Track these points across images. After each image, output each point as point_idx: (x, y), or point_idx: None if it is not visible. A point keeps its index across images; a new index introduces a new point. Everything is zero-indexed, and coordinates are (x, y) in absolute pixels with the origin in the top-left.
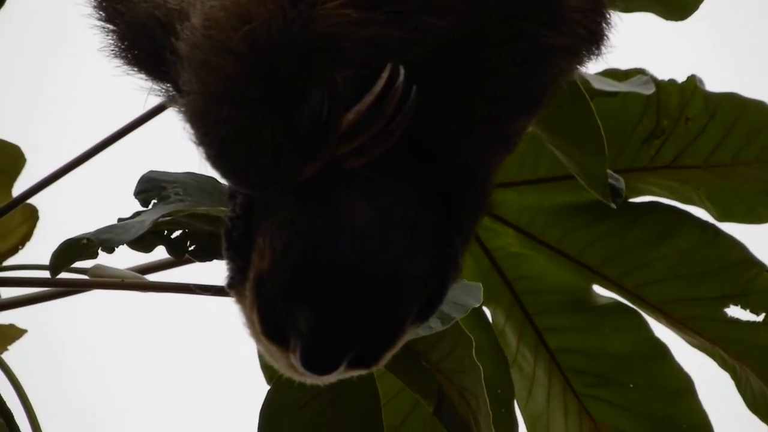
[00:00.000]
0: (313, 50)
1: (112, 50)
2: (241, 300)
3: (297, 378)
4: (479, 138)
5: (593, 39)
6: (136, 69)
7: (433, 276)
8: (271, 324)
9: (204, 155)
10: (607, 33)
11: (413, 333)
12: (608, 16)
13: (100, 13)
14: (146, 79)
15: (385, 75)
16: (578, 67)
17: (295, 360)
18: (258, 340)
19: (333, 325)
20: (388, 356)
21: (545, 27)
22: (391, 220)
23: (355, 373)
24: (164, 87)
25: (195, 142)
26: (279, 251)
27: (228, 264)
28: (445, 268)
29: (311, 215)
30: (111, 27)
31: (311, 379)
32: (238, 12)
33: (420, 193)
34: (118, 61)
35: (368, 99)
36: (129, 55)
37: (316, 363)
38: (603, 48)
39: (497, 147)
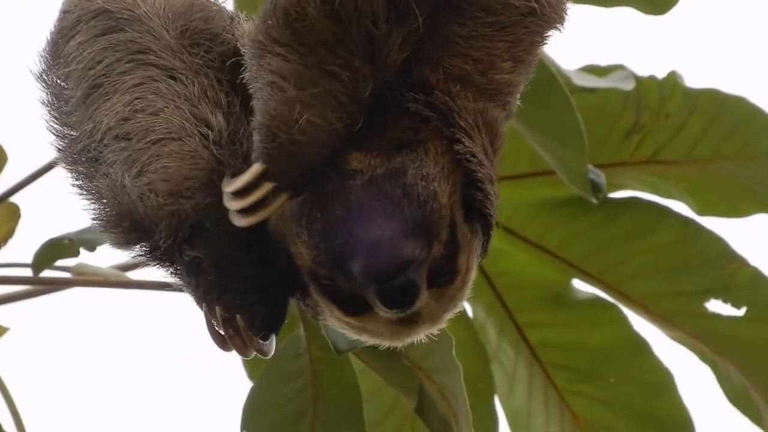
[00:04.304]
0: None
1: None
2: (323, 311)
3: (413, 339)
4: (462, 68)
5: None
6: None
7: (451, 172)
8: (347, 304)
9: None
10: None
11: (480, 237)
12: None
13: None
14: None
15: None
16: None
17: (382, 311)
18: (355, 330)
19: (382, 256)
20: (467, 260)
21: None
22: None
23: (448, 291)
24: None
25: None
26: (307, 240)
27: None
28: (463, 161)
29: (319, 197)
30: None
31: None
32: None
33: (408, 114)
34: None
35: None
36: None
37: (394, 298)
38: None
39: (485, 89)
